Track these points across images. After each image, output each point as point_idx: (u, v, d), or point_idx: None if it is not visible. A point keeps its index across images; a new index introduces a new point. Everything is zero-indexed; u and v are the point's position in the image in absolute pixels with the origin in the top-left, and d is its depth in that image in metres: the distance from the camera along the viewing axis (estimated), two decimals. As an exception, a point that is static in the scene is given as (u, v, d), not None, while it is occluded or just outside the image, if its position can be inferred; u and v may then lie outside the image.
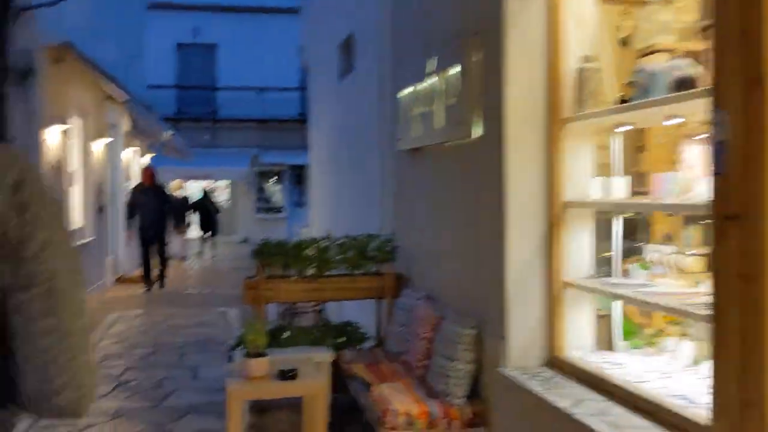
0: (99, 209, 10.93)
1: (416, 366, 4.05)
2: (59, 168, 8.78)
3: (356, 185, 6.72)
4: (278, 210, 23.34)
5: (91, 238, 10.42)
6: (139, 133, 12.14)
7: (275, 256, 4.73)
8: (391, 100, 5.39)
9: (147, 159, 15.95)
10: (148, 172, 11.27)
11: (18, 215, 0.95)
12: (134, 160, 14.46)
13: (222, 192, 23.49)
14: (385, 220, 5.60)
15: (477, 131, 3.77)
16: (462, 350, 3.63)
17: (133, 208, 10.89)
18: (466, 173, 3.98)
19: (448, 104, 4.05)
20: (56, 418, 1.05)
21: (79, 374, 0.99)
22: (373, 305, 5.27)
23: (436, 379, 3.76)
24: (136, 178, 14.83)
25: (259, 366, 3.75)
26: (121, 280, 11.83)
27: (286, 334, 4.76)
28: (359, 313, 5.94)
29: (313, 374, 3.95)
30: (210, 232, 17.51)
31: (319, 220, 9.17)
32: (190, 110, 22.07)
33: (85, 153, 10.40)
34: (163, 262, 11.10)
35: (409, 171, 5.03)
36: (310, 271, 4.82)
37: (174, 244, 9.99)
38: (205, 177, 21.40)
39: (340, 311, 7.15)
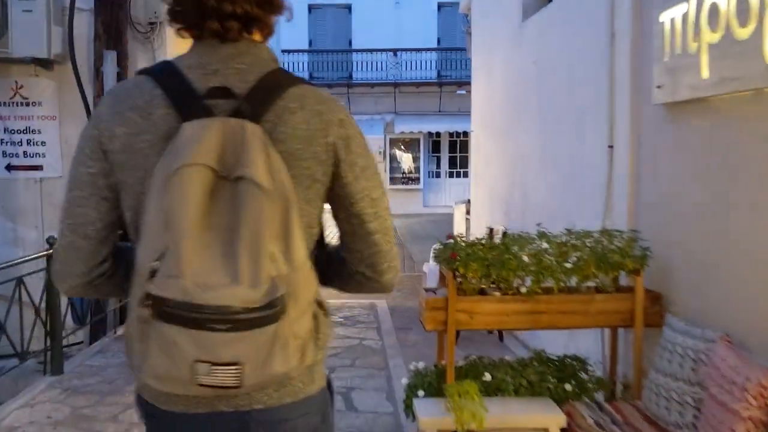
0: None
1: (731, 463, 2.43)
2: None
3: (554, 155, 5.07)
4: (414, 181, 21.97)
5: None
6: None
7: (472, 263, 3.23)
8: (636, 29, 3.69)
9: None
10: None
11: (344, 146, 1.20)
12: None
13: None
14: (615, 208, 3.94)
15: None
16: None
17: None
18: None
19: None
20: (377, 292, 1.31)
21: (395, 259, 1.28)
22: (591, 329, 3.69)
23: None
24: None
25: (477, 460, 2.29)
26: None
27: (486, 377, 3.27)
28: (559, 335, 4.35)
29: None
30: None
31: (485, 197, 7.59)
32: (323, 75, 21.07)
33: (217, 120, 9.41)
34: None
35: (674, 133, 3.33)
36: (521, 284, 3.28)
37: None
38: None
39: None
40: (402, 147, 22.00)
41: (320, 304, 1.21)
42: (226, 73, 1.16)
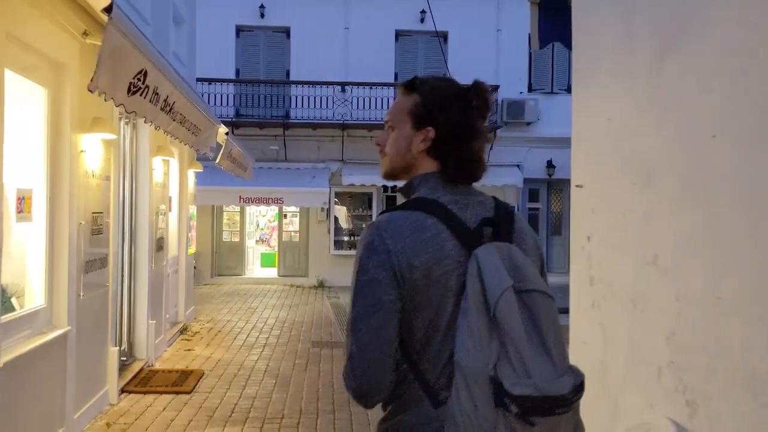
0: (88, 263, 5.52)
1: None
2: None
3: None
4: (364, 245, 17.72)
5: (67, 329, 5.01)
6: (177, 126, 6.65)
7: None
8: None
9: (191, 175, 10.64)
10: None
11: (542, 252, 1.63)
12: (169, 175, 9.11)
13: (290, 220, 18.11)
14: None
15: None
16: None
17: None
18: None
19: None
20: None
21: None
22: None
23: None
24: (175, 203, 9.54)
25: None
26: (142, 380, 6.42)
27: None
28: None
29: None
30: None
31: (647, 349, 3.09)
32: (253, 112, 16.85)
33: (52, 157, 5.03)
34: None
35: None
36: None
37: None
38: (272, 201, 16.06)
39: None
40: (352, 203, 17.88)
41: None
42: (473, 206, 1.53)
